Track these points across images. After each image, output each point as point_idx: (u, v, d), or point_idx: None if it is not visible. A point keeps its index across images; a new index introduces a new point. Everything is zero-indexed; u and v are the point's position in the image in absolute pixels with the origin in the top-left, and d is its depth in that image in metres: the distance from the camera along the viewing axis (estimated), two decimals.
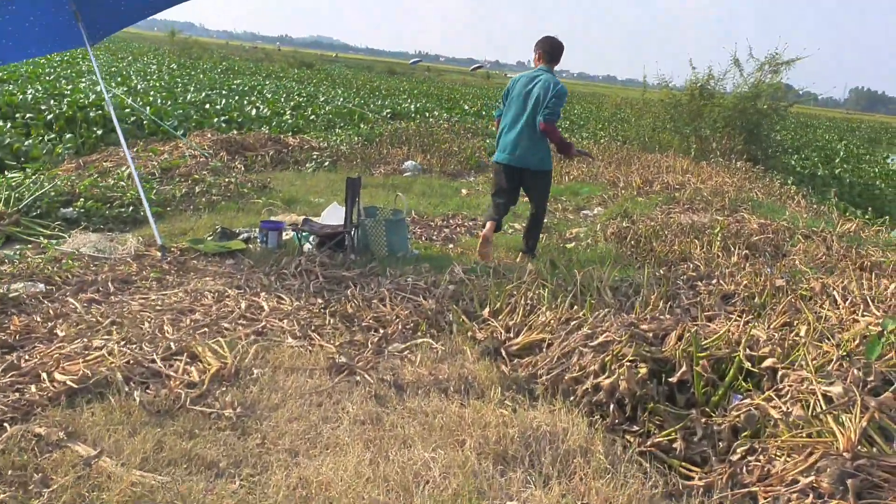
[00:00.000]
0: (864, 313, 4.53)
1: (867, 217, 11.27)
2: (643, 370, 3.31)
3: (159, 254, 5.88)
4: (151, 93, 17.65)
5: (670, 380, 3.39)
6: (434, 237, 7.50)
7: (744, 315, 4.66)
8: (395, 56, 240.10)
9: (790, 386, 3.17)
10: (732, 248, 6.93)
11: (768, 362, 3.37)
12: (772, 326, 4.25)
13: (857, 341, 3.58)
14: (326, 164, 11.62)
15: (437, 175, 11.92)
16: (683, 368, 3.35)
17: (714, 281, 5.33)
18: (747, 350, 3.48)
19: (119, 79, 20.74)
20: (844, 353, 3.33)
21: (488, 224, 6.58)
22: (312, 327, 4.38)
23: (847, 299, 4.78)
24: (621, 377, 3.25)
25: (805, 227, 7.99)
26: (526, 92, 6.47)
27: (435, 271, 5.78)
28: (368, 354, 4.01)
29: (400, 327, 4.37)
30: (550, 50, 6.56)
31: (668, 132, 17.88)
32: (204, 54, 49.16)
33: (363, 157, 12.22)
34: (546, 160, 6.63)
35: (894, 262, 6.30)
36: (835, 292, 4.88)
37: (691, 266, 5.79)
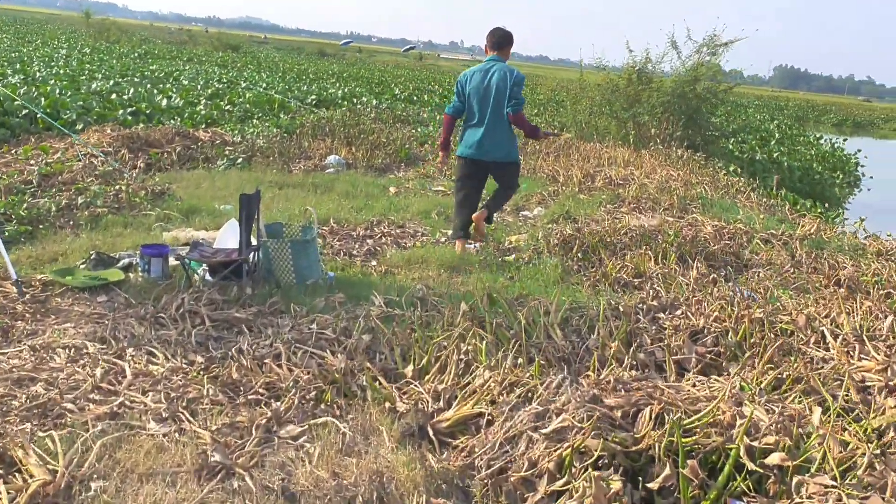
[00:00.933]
0: (861, 355, 3.79)
1: (818, 210, 10.75)
2: (615, 483, 2.46)
3: (14, 290, 4.81)
4: (52, 81, 16.14)
5: (649, 485, 2.55)
6: (355, 251, 6.55)
7: (722, 361, 3.87)
8: (327, 37, 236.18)
9: (810, 500, 2.36)
10: (690, 260, 6.18)
11: (775, 458, 2.56)
12: (760, 381, 3.46)
13: (887, 428, 2.79)
14: (240, 161, 10.53)
15: (363, 171, 10.94)
16: (667, 471, 2.52)
17: (679, 312, 4.53)
18: (745, 439, 2.66)
19: (18, 65, 19.07)
20: (876, 450, 2.53)
21: (458, 243, 6.67)
22: (185, 401, 3.40)
23: (838, 336, 4.03)
24: (587, 495, 2.40)
25: (762, 228, 7.31)
26: (485, 86, 6.47)
27: (351, 303, 4.86)
28: (253, 445, 3.07)
29: (297, 400, 3.42)
30: (498, 40, 6.63)
31: (605, 117, 17.18)
32: (123, 37, 46.74)
33: (281, 152, 11.14)
34: (513, 152, 6.68)
35: (870, 276, 5.61)
36: (823, 328, 4.13)
37: (650, 292, 4.98)
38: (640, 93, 16.33)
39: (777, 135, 24.82)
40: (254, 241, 5.11)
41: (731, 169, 14.69)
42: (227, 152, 10.82)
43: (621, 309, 4.60)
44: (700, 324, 4.26)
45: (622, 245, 6.56)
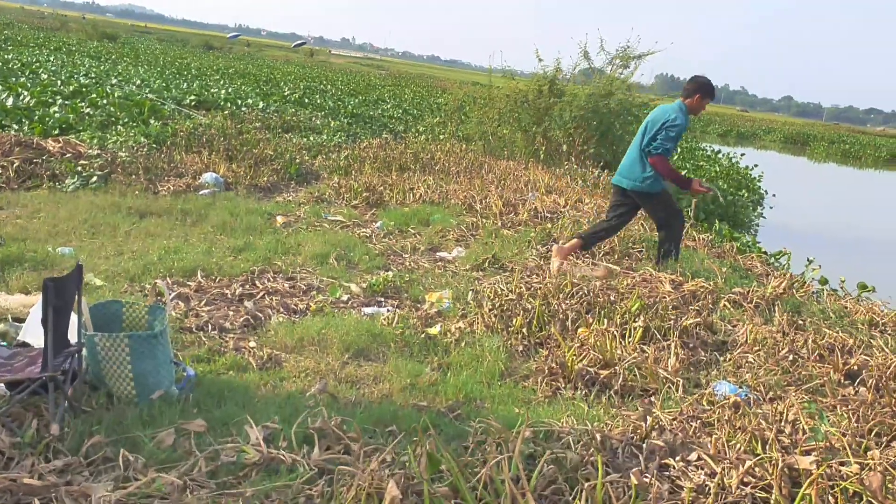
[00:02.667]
0: None
1: (731, 233, 9.73)
2: None
3: None
4: None
5: None
6: (228, 323, 4.95)
7: None
8: (214, 29, 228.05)
9: None
10: (658, 335, 4.92)
11: None
12: None
13: None
14: (95, 179, 8.68)
15: (245, 192, 9.27)
16: None
17: (695, 457, 3.20)
18: None
19: None
20: None
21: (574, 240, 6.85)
22: None
23: None
24: None
25: (726, 285, 6.16)
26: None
27: (217, 431, 3.31)
28: None
29: None
30: (688, 84, 6.67)
31: (511, 129, 15.99)
32: None
33: (147, 168, 9.30)
34: (649, 181, 6.61)
35: (886, 364, 4.48)
36: None
37: (647, 423, 3.60)
38: (552, 106, 15.24)
39: (678, 149, 24.39)
40: (74, 338, 3.46)
41: None
42: (79, 168, 8.92)
43: (613, 444, 3.23)
44: (732, 483, 2.94)
45: (573, 311, 5.24)
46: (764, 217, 16.50)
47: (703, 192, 6.66)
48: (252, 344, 4.62)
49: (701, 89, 6.54)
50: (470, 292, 5.78)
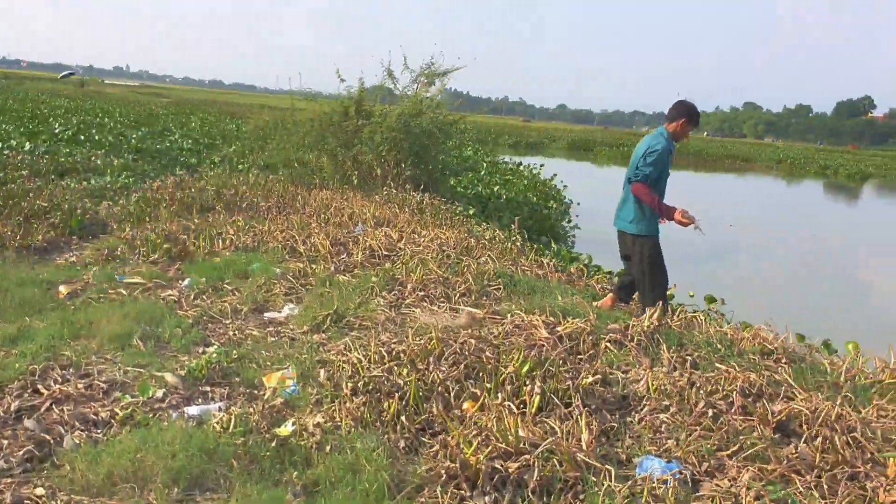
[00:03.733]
0: None
1: (546, 248, 9.30)
2: None
3: None
4: None
5: None
6: (2, 462, 3.59)
7: None
8: None
9: None
10: (558, 402, 4.14)
11: None
12: None
13: None
14: None
15: (16, 255, 7.62)
16: None
17: None
18: None
19: None
20: None
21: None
22: None
23: None
24: None
25: (595, 319, 5.53)
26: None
27: None
28: None
29: None
30: (671, 109, 6.50)
31: (316, 155, 14.92)
32: None
33: None
34: (638, 222, 6.39)
35: (809, 410, 3.97)
36: None
37: None
38: (360, 128, 14.37)
39: (485, 165, 24.33)
40: None
41: (472, 212, 13.25)
42: None
43: None
44: None
45: (451, 379, 4.35)
46: (578, 228, 16.54)
47: (686, 224, 6.10)
48: (39, 491, 3.33)
49: (686, 115, 6.35)
50: (320, 369, 4.73)
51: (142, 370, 4.81)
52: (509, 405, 3.96)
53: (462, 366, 4.60)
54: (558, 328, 5.35)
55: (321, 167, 14.82)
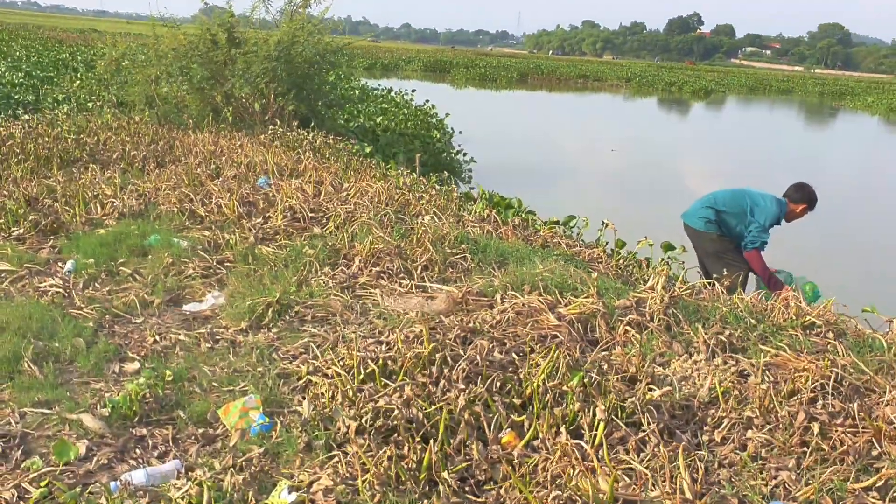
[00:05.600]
0: None
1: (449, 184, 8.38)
2: None
3: None
4: None
5: None
6: None
7: None
8: None
9: None
10: (620, 423, 3.31)
11: None
12: None
13: None
14: None
15: None
16: None
17: None
18: None
19: None
20: None
21: None
22: None
23: None
24: None
25: (597, 294, 4.69)
26: None
27: None
28: None
29: None
30: (796, 190, 6.63)
31: (176, 88, 13.12)
32: None
33: None
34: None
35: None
36: None
37: None
38: (233, 58, 12.71)
39: (357, 93, 22.77)
40: None
41: (368, 150, 12.07)
42: None
43: None
44: None
45: (464, 395, 3.40)
46: (475, 161, 15.68)
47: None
48: None
49: (809, 201, 6.55)
50: (298, 396, 3.65)
51: (47, 412, 3.56)
52: (575, 445, 3.05)
53: (472, 373, 3.66)
54: (560, 309, 4.49)
55: (186, 104, 13.08)
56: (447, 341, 4.04)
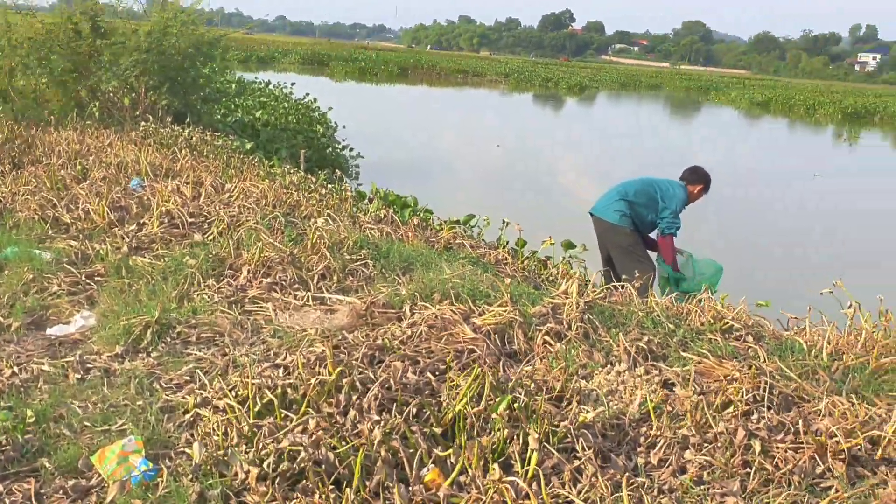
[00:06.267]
0: None
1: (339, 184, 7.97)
2: None
3: None
4: None
5: None
6: None
7: None
8: None
9: None
10: (552, 450, 3.03)
11: None
12: None
13: None
14: None
15: None
16: None
17: None
18: None
19: None
20: None
21: None
22: None
23: None
24: None
25: (511, 301, 4.42)
26: None
27: None
28: None
29: None
30: (690, 173, 6.71)
31: (34, 80, 12.04)
32: None
33: None
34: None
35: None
36: None
37: None
38: (99, 50, 11.76)
39: (234, 86, 21.75)
40: None
41: (249, 146, 11.45)
42: None
43: None
44: None
45: (394, 430, 3.03)
46: (362, 156, 15.21)
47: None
48: None
49: (705, 182, 6.64)
50: (191, 439, 3.17)
51: None
52: (502, 481, 2.73)
53: (393, 403, 3.29)
54: (475, 319, 4.18)
55: (47, 99, 12.03)
56: (354, 362, 3.65)
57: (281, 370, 3.65)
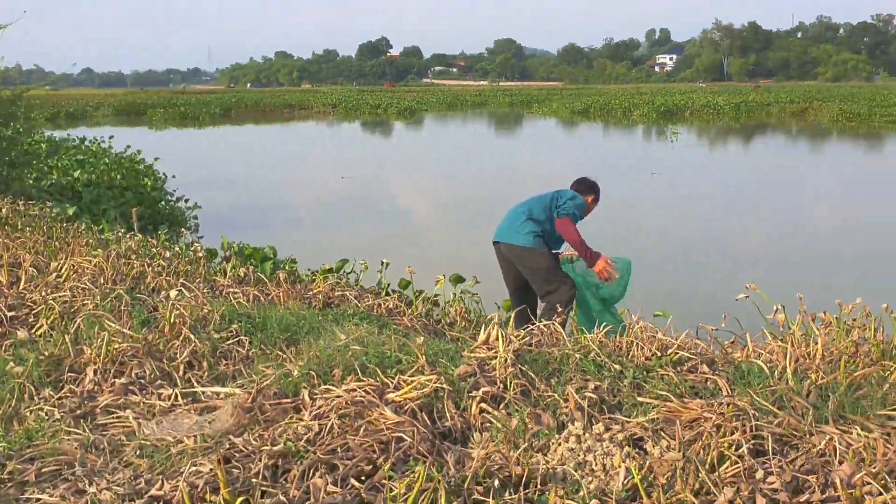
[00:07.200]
0: None
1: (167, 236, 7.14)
2: None
3: None
4: None
5: None
6: None
7: None
8: None
9: None
10: None
11: None
12: None
13: None
14: None
15: None
16: None
17: None
18: None
19: None
20: None
21: None
22: None
23: None
24: None
25: (427, 364, 3.73)
26: None
27: None
28: None
29: None
30: (581, 184, 6.31)
31: None
32: None
33: None
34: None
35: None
36: None
37: None
38: None
39: (44, 146, 19.72)
40: None
41: (72, 211, 10.12)
42: None
43: None
44: None
45: None
46: (199, 207, 14.02)
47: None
48: None
49: (595, 193, 6.27)
50: None
51: None
52: None
53: None
54: (391, 395, 3.44)
55: None
56: (254, 480, 2.83)
57: None
